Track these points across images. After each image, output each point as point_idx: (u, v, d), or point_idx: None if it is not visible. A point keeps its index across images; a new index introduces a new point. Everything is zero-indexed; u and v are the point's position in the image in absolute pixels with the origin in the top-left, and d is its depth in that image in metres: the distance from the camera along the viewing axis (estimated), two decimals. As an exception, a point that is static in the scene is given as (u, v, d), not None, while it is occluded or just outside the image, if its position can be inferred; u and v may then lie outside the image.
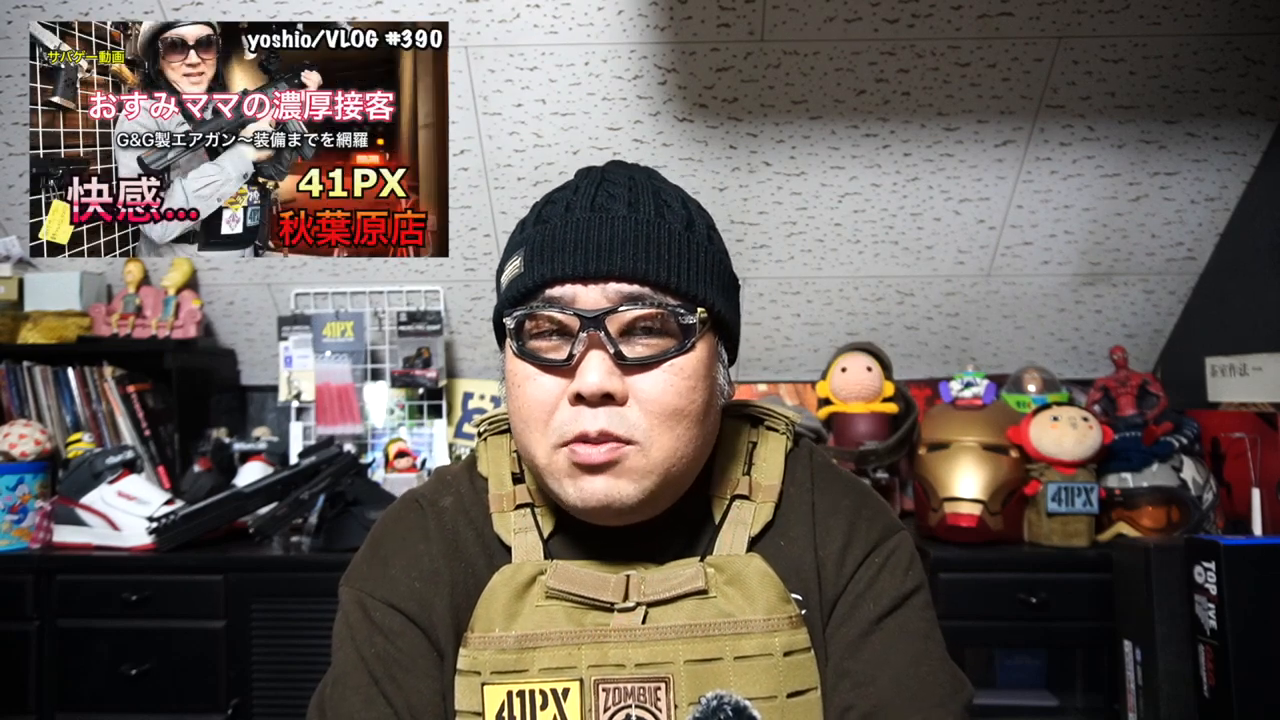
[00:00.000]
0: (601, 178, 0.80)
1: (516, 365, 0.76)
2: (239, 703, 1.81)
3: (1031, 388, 2.21)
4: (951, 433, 1.92)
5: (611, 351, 0.73)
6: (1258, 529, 1.78)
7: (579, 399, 0.73)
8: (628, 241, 0.74)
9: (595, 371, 0.72)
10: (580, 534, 0.81)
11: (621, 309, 0.73)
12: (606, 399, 0.72)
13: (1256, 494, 1.79)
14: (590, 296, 0.73)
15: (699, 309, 0.75)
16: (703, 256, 0.77)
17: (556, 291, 0.74)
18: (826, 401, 2.13)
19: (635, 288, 0.74)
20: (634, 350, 0.74)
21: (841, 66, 1.90)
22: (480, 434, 0.89)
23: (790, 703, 0.73)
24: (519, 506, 0.82)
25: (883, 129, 2.00)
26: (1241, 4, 1.78)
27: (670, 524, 0.80)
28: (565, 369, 0.74)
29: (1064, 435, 1.85)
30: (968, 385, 2.03)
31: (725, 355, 0.82)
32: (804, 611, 0.77)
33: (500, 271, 0.81)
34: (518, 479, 0.84)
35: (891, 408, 2.08)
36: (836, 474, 0.87)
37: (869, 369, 2.08)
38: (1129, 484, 1.90)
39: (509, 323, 0.76)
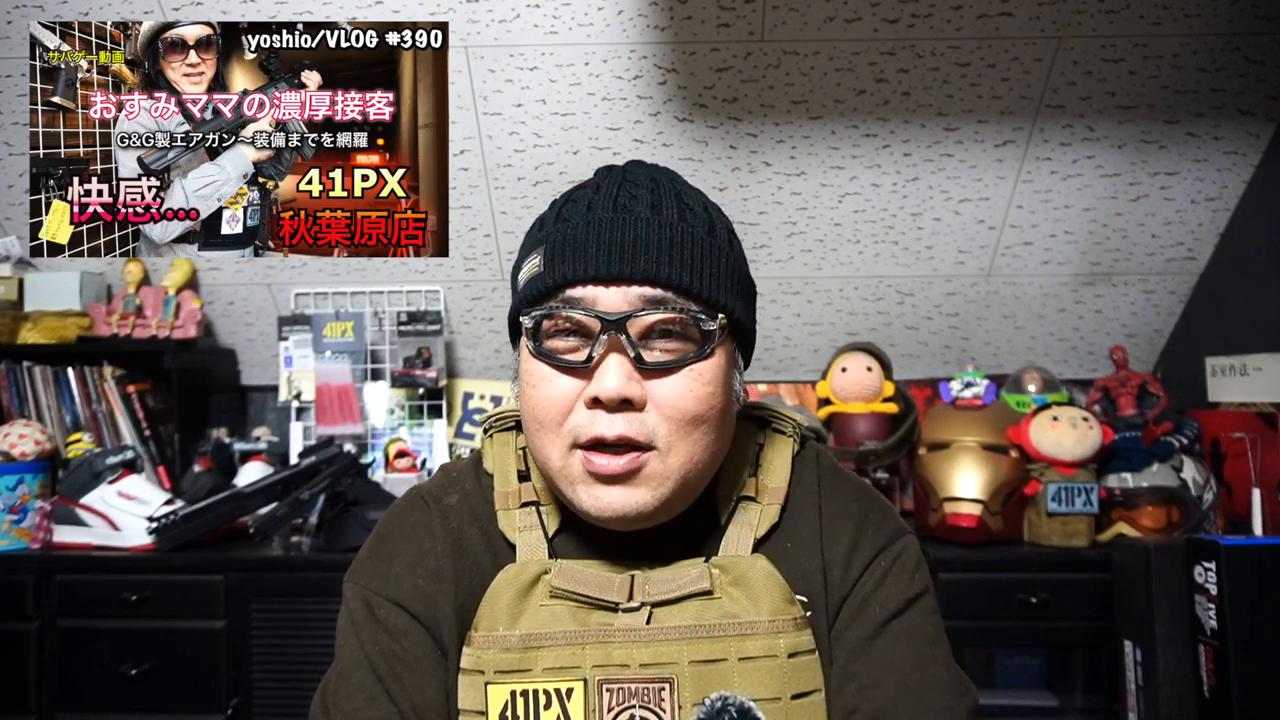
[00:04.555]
0: (623, 177, 0.79)
1: (532, 365, 0.75)
2: (239, 703, 1.81)
3: (1031, 388, 2.21)
4: (951, 433, 1.92)
5: (631, 355, 0.72)
6: (1258, 529, 1.78)
7: (596, 402, 0.72)
8: (651, 244, 0.73)
9: (615, 376, 0.71)
10: (585, 533, 0.80)
11: (643, 313, 0.72)
12: (625, 404, 0.72)
13: (1256, 494, 1.79)
14: (611, 299, 0.73)
15: (719, 315, 0.75)
16: (724, 262, 0.77)
17: (577, 292, 0.73)
18: (826, 401, 2.13)
19: (657, 291, 0.73)
20: (653, 355, 0.73)
21: (841, 66, 1.90)
22: (486, 430, 0.88)
23: (795, 704, 0.73)
24: (524, 504, 0.82)
25: (883, 129, 2.00)
26: (1241, 4, 1.79)
27: (676, 525, 0.79)
28: (583, 371, 0.73)
29: (1064, 435, 1.85)
30: (968, 385, 2.03)
31: (741, 361, 0.82)
32: (809, 614, 0.77)
33: (517, 269, 0.80)
34: (523, 476, 0.84)
35: (891, 408, 2.08)
36: (843, 477, 0.87)
37: (869, 369, 2.08)
38: (1129, 484, 1.90)
39: (526, 322, 0.75)
